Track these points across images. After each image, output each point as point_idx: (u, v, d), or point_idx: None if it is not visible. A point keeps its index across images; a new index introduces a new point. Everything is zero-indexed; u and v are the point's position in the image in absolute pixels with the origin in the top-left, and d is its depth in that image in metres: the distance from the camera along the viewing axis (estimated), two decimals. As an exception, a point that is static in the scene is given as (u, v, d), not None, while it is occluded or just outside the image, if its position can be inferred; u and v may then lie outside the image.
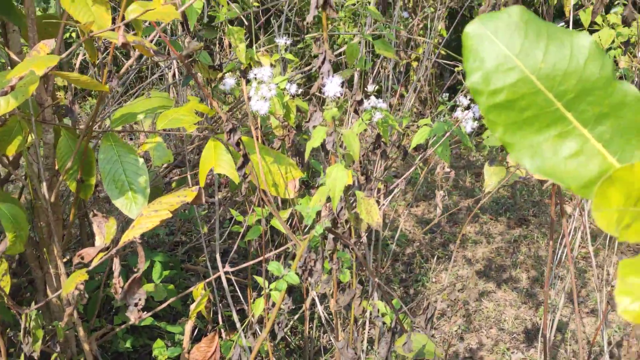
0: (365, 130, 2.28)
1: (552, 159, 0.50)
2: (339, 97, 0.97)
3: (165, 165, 2.16)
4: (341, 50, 2.29)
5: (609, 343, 2.49)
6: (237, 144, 1.05)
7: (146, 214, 1.14)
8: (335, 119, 0.99)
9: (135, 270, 1.12)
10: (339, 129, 0.99)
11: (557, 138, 0.50)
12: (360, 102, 1.10)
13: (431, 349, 1.15)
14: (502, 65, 0.50)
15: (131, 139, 3.27)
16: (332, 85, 0.98)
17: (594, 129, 0.49)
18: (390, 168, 3.01)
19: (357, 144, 0.98)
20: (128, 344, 1.84)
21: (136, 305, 1.10)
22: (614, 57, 3.08)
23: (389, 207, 3.29)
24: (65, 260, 1.85)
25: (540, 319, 2.62)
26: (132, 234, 1.11)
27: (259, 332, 1.96)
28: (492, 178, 1.17)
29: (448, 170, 1.48)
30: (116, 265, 1.11)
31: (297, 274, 0.98)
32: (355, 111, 1.10)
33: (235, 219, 2.13)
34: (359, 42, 2.51)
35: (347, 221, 2.15)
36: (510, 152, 0.51)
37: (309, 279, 0.98)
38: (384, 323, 1.44)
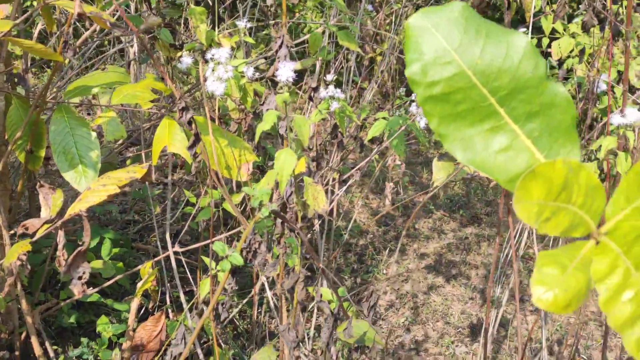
0: (325, 119, 2.28)
1: (483, 152, 0.51)
2: (290, 82, 0.98)
3: (120, 142, 2.14)
4: (306, 38, 2.29)
5: (549, 340, 2.56)
6: (189, 123, 1.05)
7: (94, 188, 1.13)
8: (287, 103, 1.00)
9: (81, 243, 1.11)
10: (290, 114, 1.00)
11: (489, 132, 0.51)
12: (315, 89, 1.11)
13: (372, 336, 1.17)
14: (440, 58, 0.51)
15: (89, 114, 3.22)
16: (285, 70, 0.98)
17: (524, 126, 0.51)
18: (347, 159, 3.03)
19: (307, 130, 0.99)
20: (72, 319, 1.82)
21: (80, 279, 1.10)
22: (572, 65, 3.15)
23: (345, 198, 3.31)
24: (12, 232, 1.82)
25: (484, 314, 2.67)
26: (78, 207, 1.10)
27: (204, 314, 1.97)
28: (440, 172, 1.19)
29: (399, 162, 1.50)
30: (60, 238, 1.11)
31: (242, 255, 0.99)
32: (310, 98, 1.11)
33: (188, 200, 2.12)
34: (324, 32, 2.51)
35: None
36: (444, 143, 0.52)
37: (254, 260, 0.99)
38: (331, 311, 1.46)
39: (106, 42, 3.46)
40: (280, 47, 1.07)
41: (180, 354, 1.32)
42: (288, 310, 1.68)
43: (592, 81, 1.70)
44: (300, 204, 1.03)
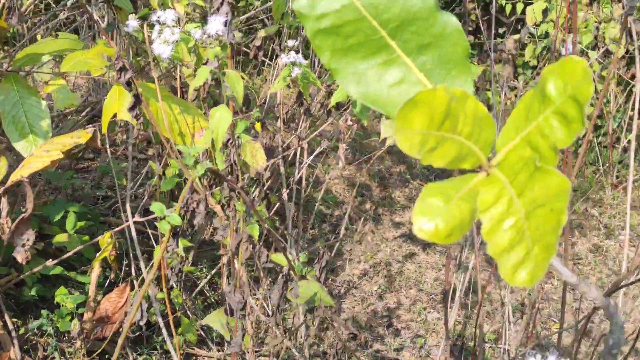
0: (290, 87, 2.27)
1: (376, 86, 0.50)
2: (221, 35, 0.96)
3: (84, 114, 2.11)
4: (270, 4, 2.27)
5: (522, 304, 2.58)
6: (128, 84, 1.03)
7: (37, 154, 1.11)
8: (219, 57, 0.98)
9: (24, 210, 1.10)
10: (225, 70, 0.99)
11: (382, 66, 0.50)
12: (259, 48, 1.09)
13: (322, 297, 1.17)
14: (328, -10, 0.50)
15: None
16: (215, 24, 0.97)
17: (416, 59, 0.50)
18: (319, 127, 3.01)
19: (241, 86, 0.97)
20: (33, 292, 1.81)
21: (23, 246, 1.09)
22: (546, 30, 3.13)
23: (321, 170, 3.30)
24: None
25: (458, 280, 2.68)
26: (20, 173, 1.09)
27: (174, 283, 1.96)
28: (388, 130, 1.19)
29: (350, 123, 1.49)
30: (3, 205, 1.09)
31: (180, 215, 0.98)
32: (255, 57, 1.10)
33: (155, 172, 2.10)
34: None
35: (277, 173, 2.13)
36: (336, 78, 0.51)
37: (193, 220, 0.98)
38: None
39: (77, 14, 3.41)
40: (222, 4, 1.05)
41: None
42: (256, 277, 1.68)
43: (555, 41, 1.69)
44: (241, 163, 1.02)
